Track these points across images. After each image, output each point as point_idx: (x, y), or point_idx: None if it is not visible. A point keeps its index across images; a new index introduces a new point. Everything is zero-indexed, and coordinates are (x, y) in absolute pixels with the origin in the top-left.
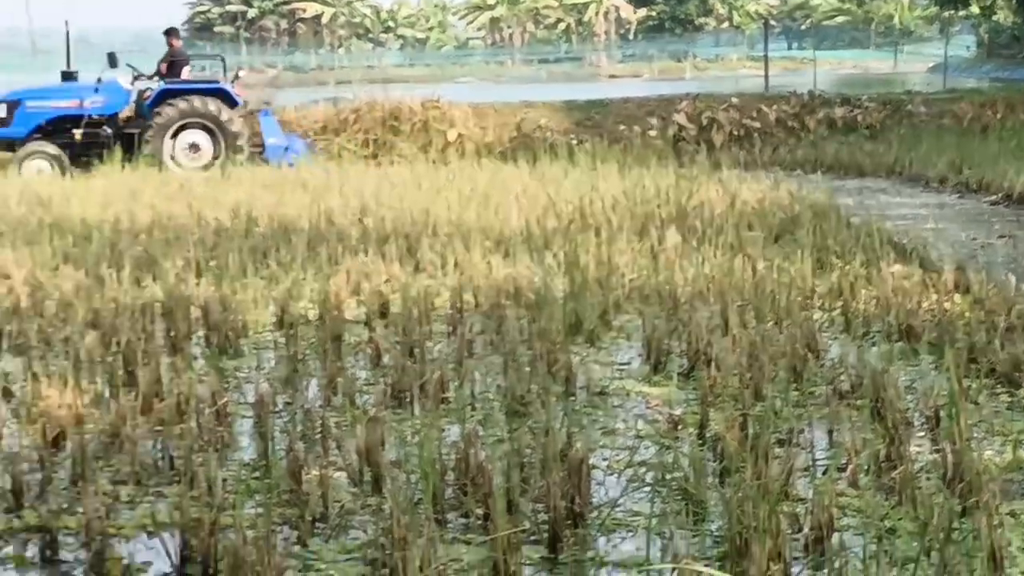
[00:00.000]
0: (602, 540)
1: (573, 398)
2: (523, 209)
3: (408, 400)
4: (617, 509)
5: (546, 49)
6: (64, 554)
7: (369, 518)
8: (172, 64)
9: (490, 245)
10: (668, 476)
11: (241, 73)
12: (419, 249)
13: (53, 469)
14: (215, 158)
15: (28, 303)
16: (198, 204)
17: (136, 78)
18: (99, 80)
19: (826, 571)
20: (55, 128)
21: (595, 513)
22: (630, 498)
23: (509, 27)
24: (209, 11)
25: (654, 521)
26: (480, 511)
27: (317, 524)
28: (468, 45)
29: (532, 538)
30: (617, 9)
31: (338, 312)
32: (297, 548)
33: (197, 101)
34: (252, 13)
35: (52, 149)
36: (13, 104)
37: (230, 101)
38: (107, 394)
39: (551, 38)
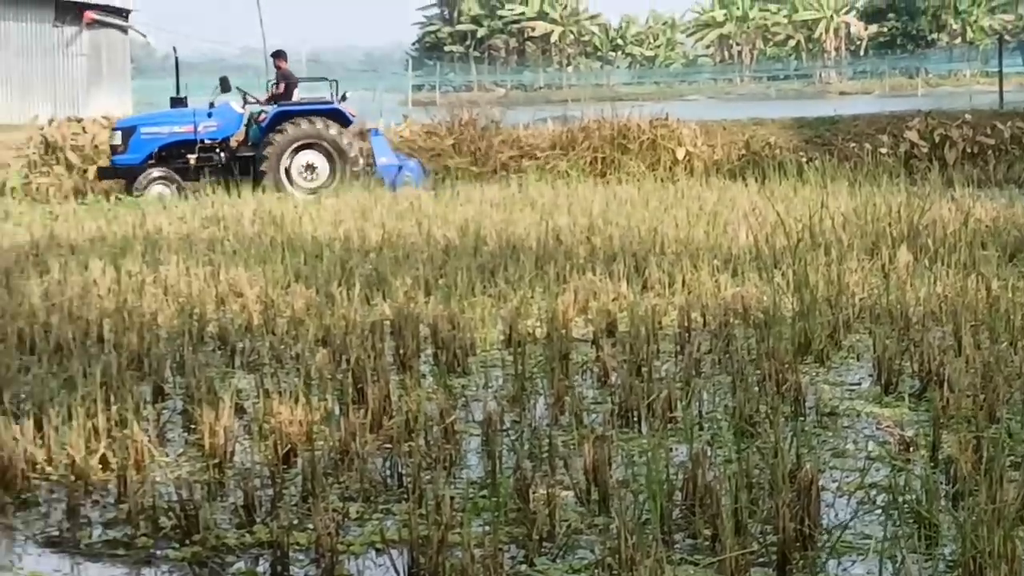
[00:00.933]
0: (832, 563)
1: (802, 418)
2: (751, 227)
3: (635, 419)
4: (847, 531)
5: (775, 66)
6: (294, 570)
7: (596, 538)
8: (285, 86)
9: (718, 263)
10: (900, 499)
11: (348, 95)
12: (647, 267)
13: (284, 485)
14: (331, 178)
15: (260, 321)
16: (427, 222)
17: (247, 102)
18: (211, 104)
19: None
20: (169, 154)
21: (825, 535)
22: (861, 520)
23: (738, 44)
24: (439, 30)
25: (885, 544)
26: (708, 532)
27: (544, 543)
28: (696, 63)
29: (760, 560)
30: (848, 25)
31: (565, 330)
32: (524, 567)
33: (312, 122)
34: (482, 32)
35: (173, 175)
36: (128, 131)
37: (343, 121)
38: (337, 411)
39: (780, 55)
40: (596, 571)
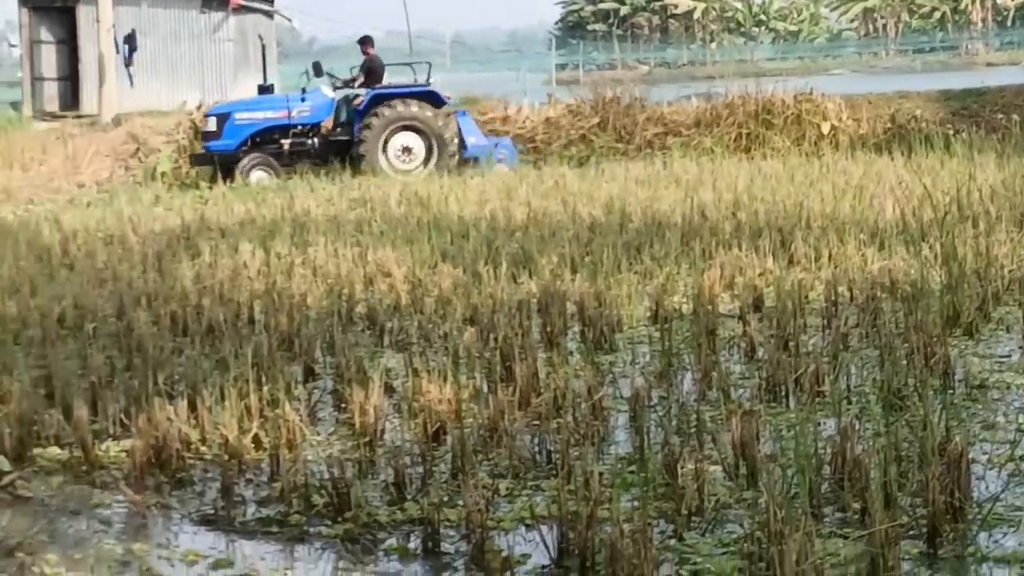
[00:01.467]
0: (983, 535)
1: (951, 391)
2: (898, 200)
3: (783, 394)
4: (999, 504)
5: (920, 39)
6: (445, 546)
7: (745, 512)
8: (371, 71)
9: (864, 237)
10: None
11: (433, 78)
12: (793, 242)
13: (434, 462)
14: (427, 160)
15: (408, 300)
16: (572, 201)
17: (336, 87)
18: (303, 90)
19: None
20: (263, 139)
21: (976, 508)
22: (1012, 493)
23: (882, 17)
24: (582, 9)
25: None
26: (857, 505)
27: (693, 518)
28: (841, 37)
29: (910, 533)
30: None
31: (712, 306)
32: (673, 541)
33: (408, 104)
34: (624, 10)
35: (272, 161)
36: (223, 117)
37: (438, 102)
38: (485, 389)
39: (925, 27)
40: (745, 545)
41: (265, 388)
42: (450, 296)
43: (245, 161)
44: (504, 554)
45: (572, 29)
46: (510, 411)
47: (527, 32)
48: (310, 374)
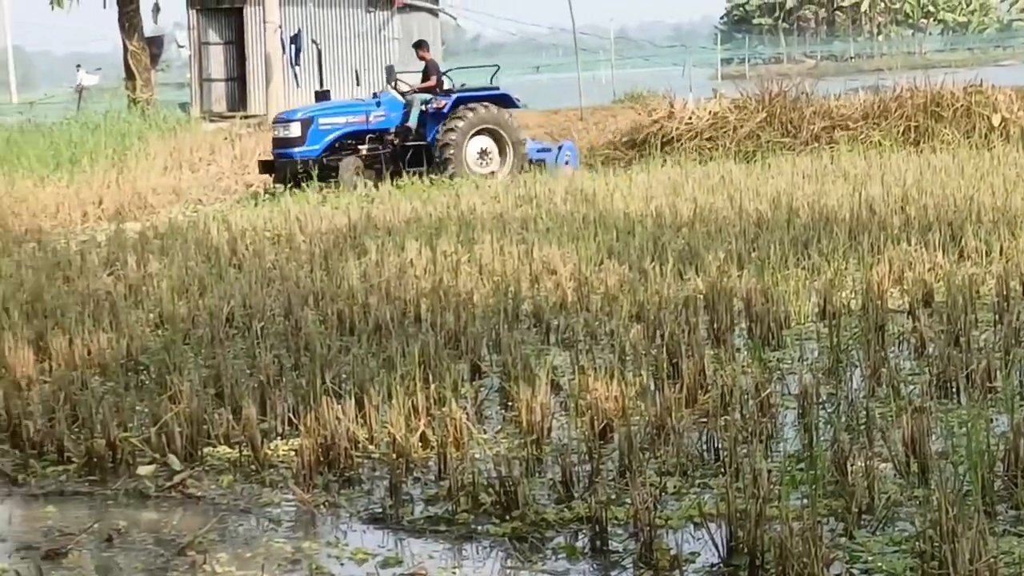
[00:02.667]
0: None
1: None
2: None
3: (954, 390)
4: None
5: None
6: (613, 544)
7: (916, 510)
8: (436, 75)
9: None
10: None
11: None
12: (963, 236)
13: (601, 460)
14: (503, 163)
15: (574, 298)
16: (739, 196)
17: (403, 93)
18: (375, 95)
19: None
20: (341, 145)
21: None
22: None
23: None
24: (747, 3)
25: None
26: None
27: (863, 516)
28: (1011, 27)
29: None
30: None
31: (881, 302)
32: (843, 540)
33: (487, 108)
34: (791, 3)
35: (362, 166)
36: (307, 122)
37: (511, 105)
38: (652, 386)
39: None
40: (917, 543)
41: (432, 386)
42: (616, 293)
43: (346, 167)
44: (672, 552)
45: (737, 23)
46: (677, 408)
47: (691, 27)
48: (476, 372)
